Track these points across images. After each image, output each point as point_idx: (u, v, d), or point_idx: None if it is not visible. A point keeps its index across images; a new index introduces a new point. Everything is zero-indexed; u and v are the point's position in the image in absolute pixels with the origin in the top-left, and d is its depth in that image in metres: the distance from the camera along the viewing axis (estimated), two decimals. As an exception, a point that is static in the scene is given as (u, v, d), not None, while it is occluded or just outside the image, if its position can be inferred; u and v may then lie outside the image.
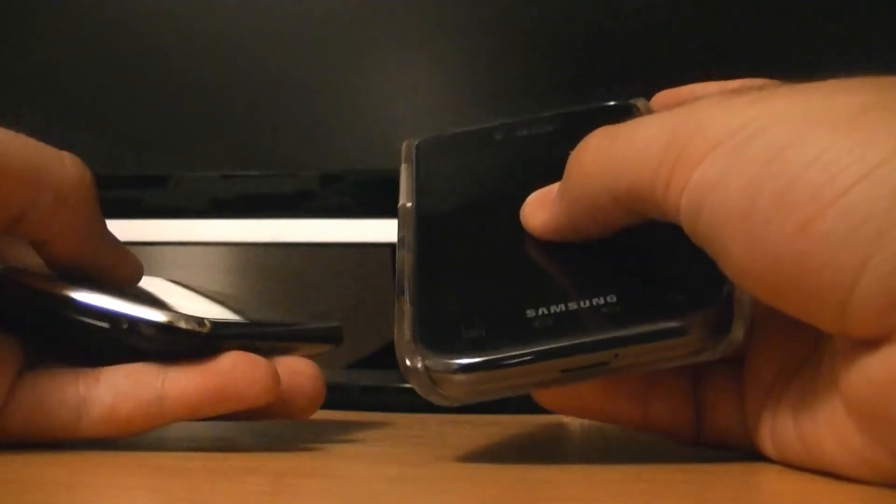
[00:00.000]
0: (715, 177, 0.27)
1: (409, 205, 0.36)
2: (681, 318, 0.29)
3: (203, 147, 0.58)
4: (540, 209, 0.33)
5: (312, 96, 0.58)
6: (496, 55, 0.57)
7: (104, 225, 0.36)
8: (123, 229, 0.58)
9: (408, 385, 0.54)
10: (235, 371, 0.32)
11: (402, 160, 0.39)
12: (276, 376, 0.33)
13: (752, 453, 0.32)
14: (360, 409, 0.51)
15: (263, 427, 0.44)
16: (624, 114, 0.36)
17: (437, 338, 0.30)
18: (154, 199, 0.58)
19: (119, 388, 0.32)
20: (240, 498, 0.25)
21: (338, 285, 0.83)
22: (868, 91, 0.26)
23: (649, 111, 0.38)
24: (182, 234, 0.58)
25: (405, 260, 0.34)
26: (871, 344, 0.25)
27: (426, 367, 0.29)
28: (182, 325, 0.32)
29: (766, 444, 0.30)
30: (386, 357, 0.61)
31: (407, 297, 0.32)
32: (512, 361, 0.29)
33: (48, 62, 0.60)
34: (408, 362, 0.30)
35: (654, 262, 0.32)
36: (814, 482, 0.28)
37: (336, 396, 0.53)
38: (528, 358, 0.29)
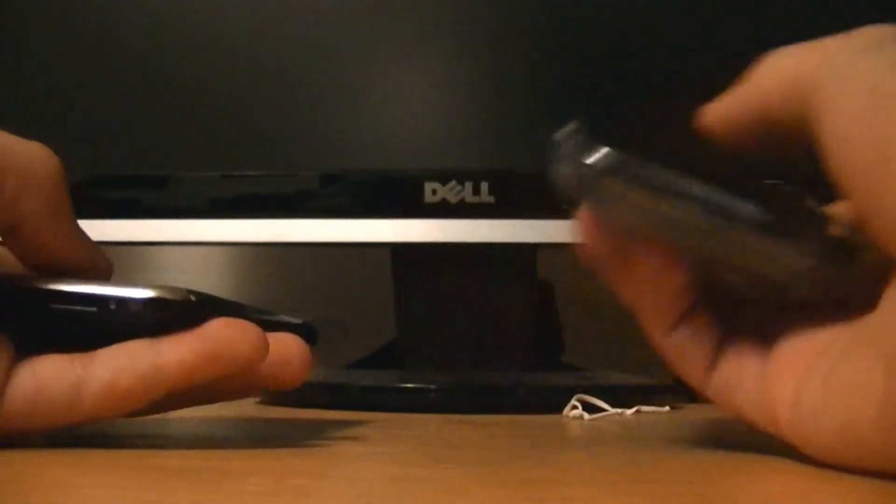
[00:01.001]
0: (839, 71, 0.29)
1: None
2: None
3: (203, 147, 0.58)
4: (720, 100, 0.35)
5: (313, 96, 0.58)
6: (496, 54, 0.57)
7: (73, 219, 0.36)
8: (123, 229, 0.59)
9: (408, 385, 0.55)
10: (226, 333, 0.33)
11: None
12: (263, 337, 0.33)
13: (751, 452, 0.32)
14: (360, 409, 0.51)
15: (263, 427, 0.44)
16: None
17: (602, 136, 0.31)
18: (154, 199, 0.58)
19: (116, 364, 0.33)
20: (240, 498, 0.25)
21: (338, 285, 0.83)
22: None
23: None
24: (182, 234, 0.58)
25: None
26: None
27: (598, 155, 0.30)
28: (169, 297, 0.33)
29: (783, 407, 0.31)
30: (386, 357, 0.61)
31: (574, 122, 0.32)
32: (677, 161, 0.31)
33: (48, 62, 0.60)
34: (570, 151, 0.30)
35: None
36: (814, 481, 0.28)
37: (336, 396, 0.53)
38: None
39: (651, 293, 0.34)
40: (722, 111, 0.35)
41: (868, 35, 0.31)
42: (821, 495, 0.26)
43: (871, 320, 0.29)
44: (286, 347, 0.36)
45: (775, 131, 0.33)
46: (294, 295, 0.84)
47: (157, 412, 0.37)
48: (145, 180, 0.58)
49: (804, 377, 0.30)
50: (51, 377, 0.33)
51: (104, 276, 0.37)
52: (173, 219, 0.58)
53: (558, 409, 0.49)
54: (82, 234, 0.36)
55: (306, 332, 0.38)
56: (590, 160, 0.30)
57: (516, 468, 0.31)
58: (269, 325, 0.36)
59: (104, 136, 0.59)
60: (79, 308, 0.33)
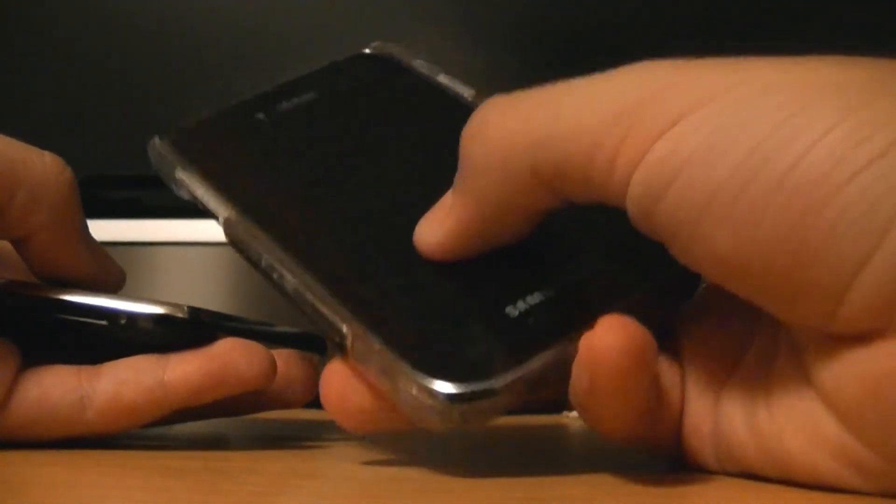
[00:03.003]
0: (690, 153, 0.23)
1: (232, 217, 0.31)
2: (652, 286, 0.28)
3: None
4: (433, 223, 0.29)
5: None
6: (496, 55, 0.57)
7: (86, 228, 0.36)
8: (124, 229, 0.59)
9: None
10: (234, 354, 0.33)
11: (164, 164, 0.33)
12: (272, 360, 0.33)
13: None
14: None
15: (263, 427, 0.44)
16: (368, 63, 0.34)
17: (439, 365, 0.26)
18: (154, 199, 0.58)
19: (121, 378, 0.33)
20: (240, 498, 0.25)
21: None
22: (865, 68, 0.24)
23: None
24: (182, 234, 0.58)
25: (319, 296, 0.28)
26: (857, 339, 0.24)
27: (453, 398, 0.25)
28: (179, 315, 0.33)
29: (705, 451, 0.29)
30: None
31: (372, 339, 0.27)
32: (546, 353, 0.26)
33: (48, 62, 0.60)
34: (425, 398, 0.26)
35: (586, 244, 0.30)
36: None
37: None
38: (564, 339, 0.26)
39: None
40: (463, 232, 0.28)
41: (700, 84, 0.24)
42: (821, 495, 0.26)
43: (796, 367, 0.26)
44: (293, 366, 0.36)
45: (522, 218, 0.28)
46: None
47: (161, 425, 0.37)
48: (145, 180, 0.58)
49: (715, 411, 0.28)
50: (56, 388, 0.33)
51: (116, 287, 0.37)
52: (173, 219, 0.58)
53: (558, 409, 0.49)
54: (94, 245, 0.36)
55: (315, 343, 0.38)
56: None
57: (516, 468, 0.31)
58: (276, 338, 0.36)
59: (104, 136, 0.59)
60: (88, 321, 0.33)
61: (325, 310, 0.28)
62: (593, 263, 0.29)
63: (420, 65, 0.38)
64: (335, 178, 0.32)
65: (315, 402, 0.53)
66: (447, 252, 0.29)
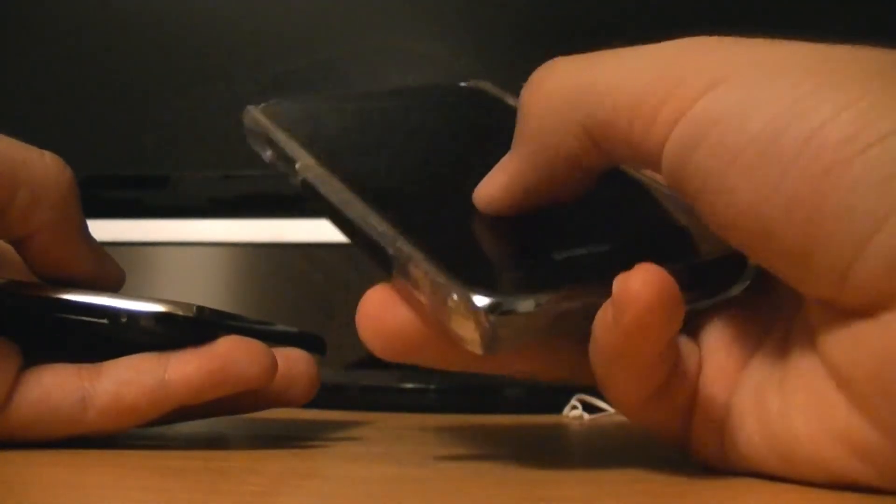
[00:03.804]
0: (726, 108, 0.25)
1: (312, 163, 0.33)
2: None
3: (203, 147, 0.58)
4: (490, 178, 0.30)
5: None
6: (497, 55, 0.57)
7: (86, 228, 0.36)
8: (123, 229, 0.59)
9: (408, 385, 0.55)
10: (235, 353, 0.33)
11: (256, 127, 0.36)
12: (272, 358, 0.33)
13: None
14: (360, 409, 0.51)
15: (263, 427, 0.44)
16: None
17: (480, 280, 0.27)
18: (154, 199, 0.58)
19: (122, 377, 0.33)
20: (240, 498, 0.25)
21: (337, 285, 0.83)
22: (883, 53, 0.25)
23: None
24: (182, 234, 0.58)
25: (371, 220, 0.30)
26: (866, 314, 0.24)
27: (489, 307, 0.26)
28: (180, 313, 0.33)
29: (711, 438, 0.29)
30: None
31: (416, 253, 0.28)
32: (582, 288, 0.27)
33: (48, 62, 0.60)
34: (461, 309, 0.26)
35: (635, 216, 0.31)
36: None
37: (336, 396, 0.53)
38: (600, 284, 0.27)
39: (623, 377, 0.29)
40: (514, 184, 0.30)
41: (742, 57, 0.26)
42: (822, 495, 0.26)
43: (810, 349, 0.27)
44: (294, 365, 0.36)
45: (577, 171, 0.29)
46: (294, 295, 0.84)
47: (162, 424, 0.37)
48: (145, 180, 0.58)
49: (728, 404, 0.29)
50: (57, 388, 0.33)
51: (116, 287, 0.37)
52: (173, 219, 0.58)
53: (558, 409, 0.49)
54: (94, 246, 0.36)
55: (315, 343, 0.38)
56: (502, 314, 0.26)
57: (516, 468, 0.31)
58: (277, 338, 0.36)
59: (104, 136, 0.59)
60: (89, 319, 0.33)
61: (377, 231, 0.29)
62: (641, 234, 0.31)
63: (510, 98, 0.40)
64: (406, 156, 0.35)
65: (315, 403, 0.53)
66: (500, 204, 0.30)
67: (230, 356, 0.33)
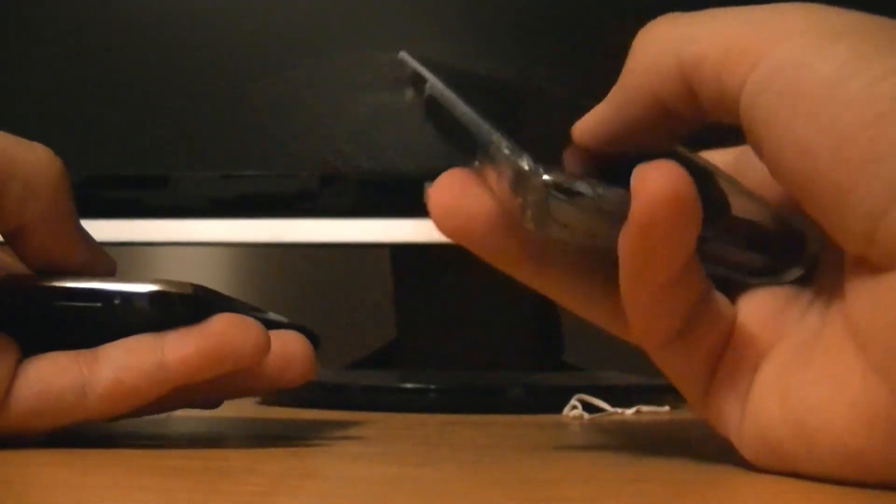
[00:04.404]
0: (801, 53, 0.27)
1: (437, 84, 0.36)
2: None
3: (203, 147, 0.58)
4: (590, 112, 0.32)
5: (313, 96, 0.58)
6: (497, 55, 0.57)
7: (77, 220, 0.36)
8: (123, 229, 0.59)
9: (408, 385, 0.55)
10: (230, 330, 0.33)
11: (405, 66, 0.38)
12: (266, 335, 0.33)
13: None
14: (360, 409, 0.51)
15: (263, 427, 0.44)
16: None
17: (552, 163, 0.29)
18: (154, 199, 0.58)
19: (120, 362, 0.33)
20: (240, 498, 0.25)
21: (338, 285, 0.83)
22: None
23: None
24: (182, 234, 0.58)
25: (472, 116, 0.32)
26: (890, 268, 0.25)
27: (550, 180, 0.28)
28: (174, 291, 0.33)
29: (729, 404, 0.30)
30: (386, 357, 0.61)
31: (503, 138, 0.30)
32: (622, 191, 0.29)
33: (48, 62, 0.60)
34: (526, 178, 0.29)
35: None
36: (815, 481, 0.28)
37: (336, 396, 0.53)
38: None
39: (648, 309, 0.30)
40: (607, 117, 0.32)
41: (818, 18, 0.28)
42: (822, 495, 0.26)
43: (839, 317, 0.28)
44: (290, 345, 0.36)
45: (664, 120, 0.31)
46: (294, 295, 0.84)
47: (161, 412, 0.37)
48: (145, 180, 0.58)
49: (755, 385, 0.29)
50: (56, 377, 0.33)
51: (111, 272, 0.37)
52: (173, 219, 0.58)
53: (558, 409, 0.49)
54: (86, 238, 0.36)
55: (307, 336, 0.38)
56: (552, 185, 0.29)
57: (516, 468, 0.31)
58: (270, 325, 0.36)
59: (104, 136, 0.59)
60: (83, 304, 0.33)
61: (474, 123, 0.32)
62: (707, 193, 0.32)
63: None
64: (505, 92, 0.39)
65: (316, 402, 0.53)
66: (594, 132, 0.32)
67: (225, 333, 0.33)
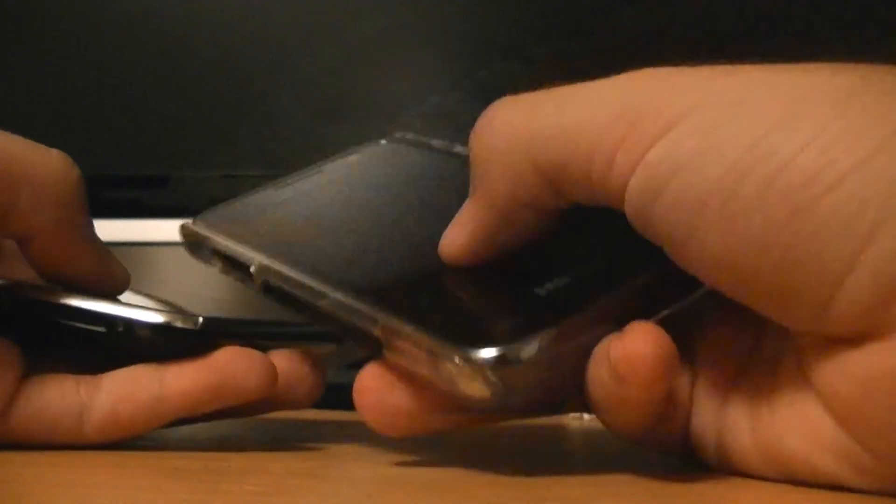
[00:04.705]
0: (685, 155, 0.24)
1: (266, 262, 0.32)
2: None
3: (203, 147, 0.58)
4: (453, 229, 0.30)
5: (312, 96, 0.58)
6: (497, 55, 0.57)
7: (91, 229, 0.35)
8: (123, 229, 0.59)
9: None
10: (231, 365, 0.32)
11: (199, 239, 0.35)
12: (272, 369, 0.33)
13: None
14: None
15: (263, 427, 0.44)
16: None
17: (477, 336, 0.26)
18: (154, 199, 0.58)
19: (119, 393, 0.33)
20: (240, 498, 0.25)
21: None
22: (851, 73, 0.24)
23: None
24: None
25: (346, 305, 0.29)
26: (850, 340, 0.24)
27: (494, 362, 0.26)
28: (178, 324, 0.32)
29: (709, 451, 0.29)
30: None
31: (404, 326, 0.28)
32: (577, 318, 0.27)
33: (48, 62, 0.60)
34: (466, 370, 0.26)
35: (602, 236, 0.31)
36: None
37: (336, 396, 0.53)
38: (591, 309, 0.27)
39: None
40: (478, 232, 0.29)
41: (680, 95, 0.25)
42: (822, 495, 0.26)
43: (794, 366, 0.27)
44: (297, 367, 0.35)
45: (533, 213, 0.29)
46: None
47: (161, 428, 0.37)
48: (145, 180, 0.58)
49: (722, 410, 0.29)
50: (56, 401, 0.33)
51: (120, 288, 0.37)
52: (173, 219, 0.58)
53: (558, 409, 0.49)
54: (99, 246, 0.36)
55: (332, 337, 0.38)
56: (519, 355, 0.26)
57: (516, 468, 0.31)
58: (287, 337, 0.35)
59: (104, 136, 0.59)
60: (86, 327, 0.33)
61: (357, 315, 0.29)
62: (610, 250, 0.30)
63: (437, 143, 0.39)
64: (356, 224, 0.34)
65: (315, 403, 0.53)
66: (467, 255, 0.30)
67: (228, 369, 0.32)
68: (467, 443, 0.38)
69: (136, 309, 0.33)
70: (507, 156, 0.28)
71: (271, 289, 0.32)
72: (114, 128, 0.59)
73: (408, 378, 0.29)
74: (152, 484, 0.27)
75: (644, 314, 0.27)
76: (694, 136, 0.24)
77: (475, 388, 0.26)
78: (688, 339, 0.30)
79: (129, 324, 0.32)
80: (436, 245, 0.30)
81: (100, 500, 0.25)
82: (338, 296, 0.30)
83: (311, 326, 0.38)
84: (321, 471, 0.31)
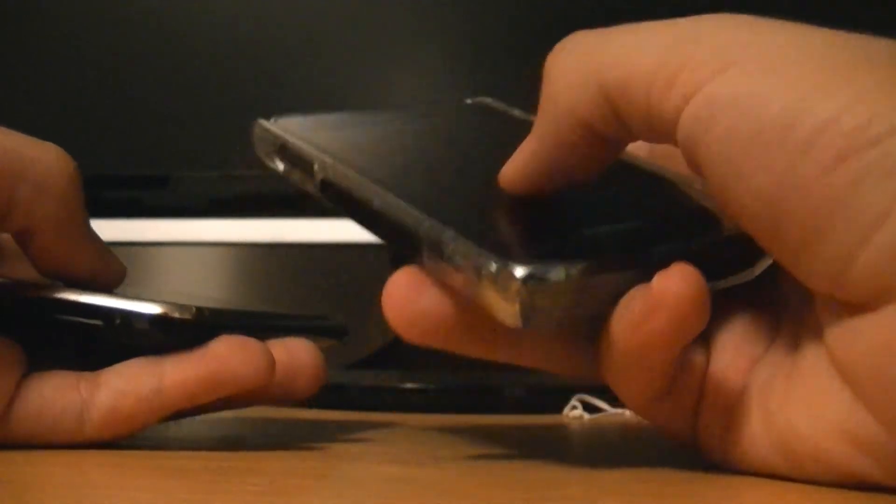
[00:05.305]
0: (742, 93, 0.25)
1: (330, 161, 0.33)
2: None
3: (203, 147, 0.58)
4: (515, 157, 0.30)
5: (312, 97, 0.58)
6: (496, 55, 0.57)
7: (87, 224, 0.35)
8: (123, 229, 0.59)
9: (408, 385, 0.55)
10: (229, 355, 0.32)
11: (270, 136, 0.36)
12: (269, 357, 0.33)
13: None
14: (360, 409, 0.51)
15: (263, 427, 0.44)
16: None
17: (514, 252, 0.27)
18: (154, 199, 0.58)
19: (118, 389, 0.33)
20: (240, 498, 0.25)
21: (338, 285, 0.83)
22: (889, 45, 0.26)
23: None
24: (182, 234, 0.58)
25: (398, 205, 0.30)
26: (867, 306, 0.25)
27: (527, 276, 0.26)
28: (176, 315, 0.33)
29: (715, 437, 0.29)
30: (386, 357, 0.61)
31: (449, 231, 0.28)
32: (612, 259, 0.27)
33: (48, 62, 0.60)
34: (499, 280, 0.26)
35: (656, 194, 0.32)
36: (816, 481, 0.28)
37: (336, 396, 0.53)
38: (629, 258, 0.28)
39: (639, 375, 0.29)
40: (538, 154, 0.30)
41: (751, 38, 0.26)
42: (823, 495, 0.26)
43: (814, 344, 0.27)
44: (296, 357, 0.35)
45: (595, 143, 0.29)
46: (294, 295, 0.84)
47: (164, 422, 0.37)
48: (145, 180, 0.58)
49: (735, 399, 0.29)
50: (56, 399, 0.33)
51: (117, 281, 0.37)
52: (173, 219, 0.58)
53: (558, 409, 0.49)
54: (96, 242, 0.36)
55: (332, 329, 0.38)
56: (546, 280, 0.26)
57: (516, 468, 0.31)
58: (289, 328, 0.35)
59: (104, 136, 0.59)
60: (83, 321, 0.33)
61: (406, 215, 0.29)
62: (662, 212, 0.31)
63: (518, 112, 0.40)
64: (423, 152, 0.36)
65: (315, 403, 0.53)
66: (523, 180, 0.30)
67: (226, 359, 0.32)
68: (467, 442, 0.38)
69: (133, 301, 0.33)
70: (575, 78, 0.28)
71: (329, 187, 0.32)
72: (114, 128, 0.59)
73: (440, 286, 0.29)
74: (152, 484, 0.27)
75: None
76: (752, 77, 0.25)
77: (504, 301, 0.26)
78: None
79: (127, 316, 0.32)
80: (495, 179, 0.31)
81: (100, 500, 0.25)
82: (391, 197, 0.30)
83: (313, 321, 0.38)
84: (321, 471, 0.31)
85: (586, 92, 0.28)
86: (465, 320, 0.29)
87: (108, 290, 0.35)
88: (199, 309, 0.33)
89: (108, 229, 0.57)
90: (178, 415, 0.34)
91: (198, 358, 0.33)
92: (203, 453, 0.34)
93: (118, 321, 0.32)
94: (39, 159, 0.33)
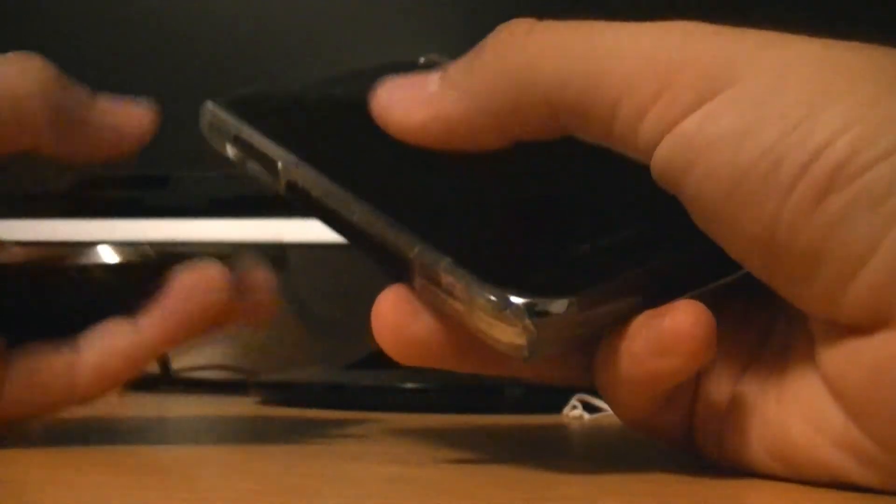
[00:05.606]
0: (722, 132, 0.24)
1: (296, 161, 0.30)
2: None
3: (203, 147, 0.58)
4: (414, 101, 0.28)
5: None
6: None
7: (90, 101, 0.35)
8: (123, 229, 0.59)
9: (408, 385, 0.55)
10: (194, 287, 0.33)
11: (218, 125, 0.33)
12: (227, 273, 0.33)
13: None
14: (360, 409, 0.51)
15: (263, 427, 0.44)
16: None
17: (519, 281, 0.26)
18: (154, 199, 0.58)
19: (100, 346, 0.33)
20: (240, 498, 0.25)
21: (338, 285, 0.83)
22: (884, 56, 0.25)
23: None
24: (182, 234, 0.58)
25: (382, 223, 0.28)
26: (862, 330, 0.24)
27: (528, 309, 0.25)
28: (133, 258, 0.33)
29: (710, 443, 0.29)
30: (386, 357, 0.61)
31: (443, 257, 0.27)
32: (616, 280, 0.26)
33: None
34: (502, 314, 0.25)
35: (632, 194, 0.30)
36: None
37: (336, 396, 0.53)
38: (625, 278, 0.27)
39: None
40: (468, 112, 0.27)
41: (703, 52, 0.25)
42: (824, 494, 0.26)
43: (806, 356, 0.26)
44: (249, 271, 0.35)
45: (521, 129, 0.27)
46: (294, 295, 0.84)
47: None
48: (145, 180, 0.58)
49: (728, 402, 0.28)
50: (43, 366, 0.33)
51: (149, 128, 0.36)
52: (173, 219, 0.58)
53: (558, 409, 0.49)
54: (111, 108, 0.35)
55: (276, 256, 0.38)
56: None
57: (516, 468, 0.31)
58: (234, 252, 0.36)
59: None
60: (50, 280, 0.33)
61: (392, 235, 0.28)
62: (652, 215, 0.29)
63: None
64: (392, 145, 0.30)
65: (316, 402, 0.53)
66: (421, 136, 0.28)
67: (192, 293, 0.33)
68: (467, 443, 0.38)
69: (86, 252, 0.33)
70: (519, 80, 0.26)
71: (297, 190, 0.30)
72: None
73: (431, 309, 0.28)
74: (152, 484, 0.27)
75: (679, 290, 0.27)
76: (732, 113, 0.24)
77: (509, 335, 0.26)
78: None
79: (84, 268, 0.33)
80: (485, 185, 0.29)
81: (100, 499, 0.25)
82: (375, 211, 0.28)
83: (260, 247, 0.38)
84: (321, 470, 0.31)
85: (529, 100, 0.26)
86: (458, 344, 0.28)
87: (144, 140, 0.35)
88: (150, 247, 0.33)
89: (109, 229, 0.57)
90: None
91: (165, 299, 0.33)
92: (203, 453, 0.34)
93: (75, 274, 0.33)
94: (9, 75, 0.33)
